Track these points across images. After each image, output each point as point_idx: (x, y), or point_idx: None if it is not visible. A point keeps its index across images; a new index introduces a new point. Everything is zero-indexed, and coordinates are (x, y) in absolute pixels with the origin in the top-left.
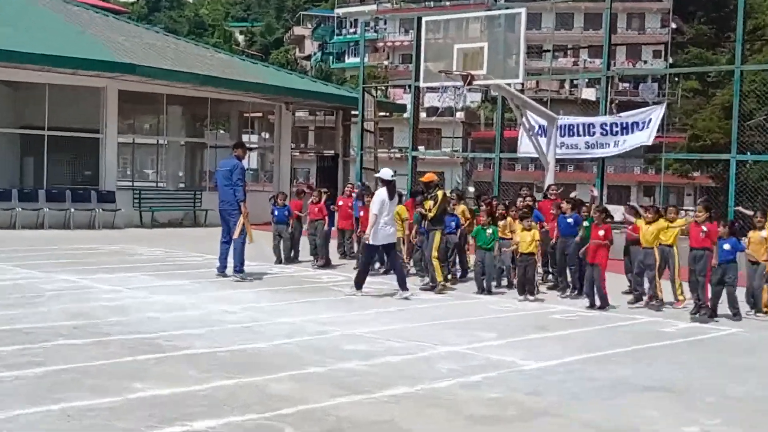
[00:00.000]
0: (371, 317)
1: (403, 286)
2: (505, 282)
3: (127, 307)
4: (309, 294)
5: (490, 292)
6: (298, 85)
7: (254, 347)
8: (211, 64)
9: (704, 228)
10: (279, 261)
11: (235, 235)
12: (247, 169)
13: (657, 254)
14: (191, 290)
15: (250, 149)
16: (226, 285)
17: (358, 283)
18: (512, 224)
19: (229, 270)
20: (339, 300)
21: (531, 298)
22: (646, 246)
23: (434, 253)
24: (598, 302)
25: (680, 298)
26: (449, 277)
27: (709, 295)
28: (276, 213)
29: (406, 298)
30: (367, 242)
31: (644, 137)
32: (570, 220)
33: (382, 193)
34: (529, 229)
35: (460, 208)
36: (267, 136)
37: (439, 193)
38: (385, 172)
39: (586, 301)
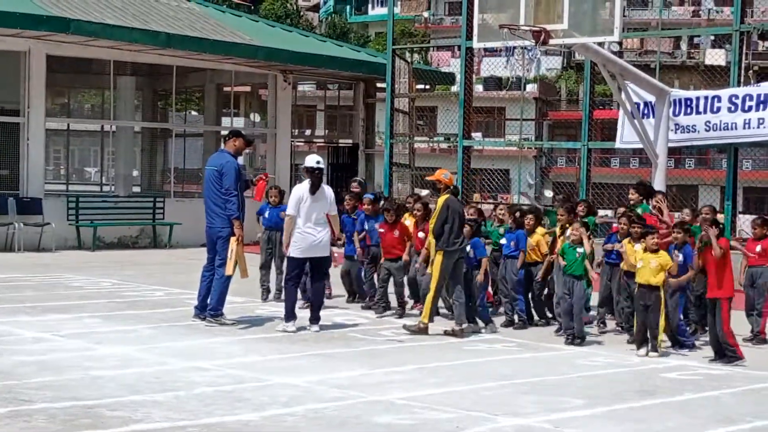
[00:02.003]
0: (409, 376)
1: (314, 313)
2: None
3: (59, 363)
4: (320, 344)
5: (582, 339)
6: (301, 46)
7: (237, 420)
8: (178, 18)
9: None
10: (268, 292)
11: (228, 270)
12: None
13: None
14: (149, 339)
15: (251, 141)
16: (199, 332)
17: (288, 311)
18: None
19: None
20: (364, 353)
21: (654, 354)
22: None
23: (433, 283)
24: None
25: None
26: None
27: None
28: (267, 214)
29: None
30: (286, 255)
31: None
32: (680, 256)
33: (301, 187)
34: (656, 250)
35: (537, 235)
36: (257, 119)
37: (442, 198)
38: (310, 159)
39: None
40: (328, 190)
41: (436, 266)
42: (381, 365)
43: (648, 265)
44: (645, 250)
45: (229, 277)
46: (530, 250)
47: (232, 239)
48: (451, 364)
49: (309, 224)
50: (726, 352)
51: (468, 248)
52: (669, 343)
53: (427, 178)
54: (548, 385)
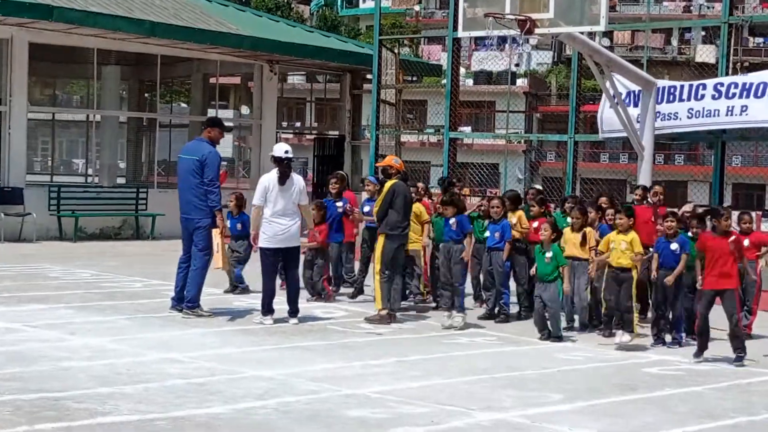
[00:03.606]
0: (387, 369)
1: (292, 305)
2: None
3: (30, 354)
4: (298, 336)
5: (558, 338)
6: (287, 36)
7: (207, 413)
8: (163, 7)
9: None
10: (233, 288)
11: (218, 263)
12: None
13: None
14: (124, 330)
15: (228, 129)
16: (175, 323)
17: (265, 305)
18: (590, 236)
19: None
20: (343, 345)
21: (627, 338)
22: None
23: (377, 266)
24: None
25: None
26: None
27: None
28: (228, 225)
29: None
30: (255, 246)
31: None
32: (675, 246)
33: (267, 177)
34: (626, 231)
35: (516, 215)
36: (247, 110)
37: (389, 183)
38: (278, 148)
39: (690, 349)
40: (297, 179)
41: (378, 250)
42: (359, 358)
43: (619, 246)
44: (617, 231)
45: (206, 268)
46: (513, 231)
47: (215, 231)
48: (430, 358)
49: (277, 214)
50: (737, 349)
51: (452, 221)
52: (655, 341)
53: (377, 165)
54: (527, 380)
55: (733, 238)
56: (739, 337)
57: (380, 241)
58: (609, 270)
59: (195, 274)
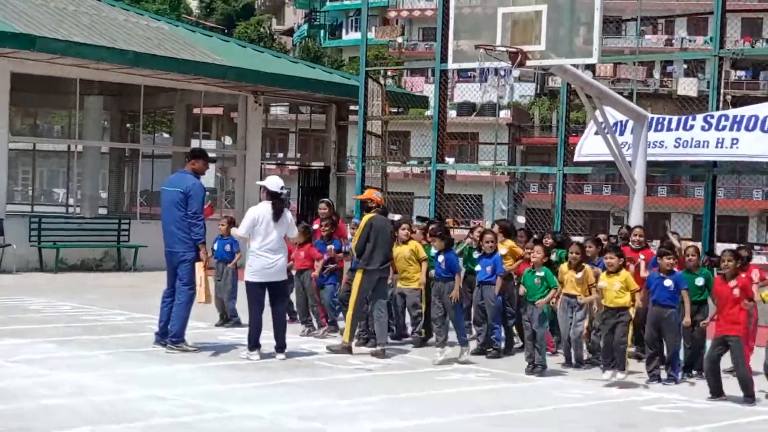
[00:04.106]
0: (376, 408)
1: (279, 340)
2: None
3: (10, 391)
4: (285, 372)
5: (543, 369)
6: (272, 67)
7: None
8: (146, 37)
9: None
10: (224, 319)
11: (200, 297)
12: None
13: None
14: (106, 365)
15: (213, 161)
16: (159, 359)
17: (252, 340)
18: (588, 275)
19: None
20: (331, 382)
21: (620, 375)
22: None
23: (352, 300)
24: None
25: None
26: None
27: None
28: (216, 246)
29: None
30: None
31: None
32: (669, 282)
33: (258, 208)
34: (617, 271)
35: (507, 245)
36: (230, 141)
37: (366, 216)
38: (273, 182)
39: (698, 388)
40: (286, 213)
41: (356, 284)
42: (348, 395)
43: (612, 287)
44: (608, 273)
45: (191, 302)
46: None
47: (199, 265)
48: (422, 395)
49: (265, 248)
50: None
51: (440, 258)
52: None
53: (355, 198)
54: (522, 418)
55: (734, 283)
56: (744, 381)
57: (358, 276)
58: (605, 312)
59: (179, 308)
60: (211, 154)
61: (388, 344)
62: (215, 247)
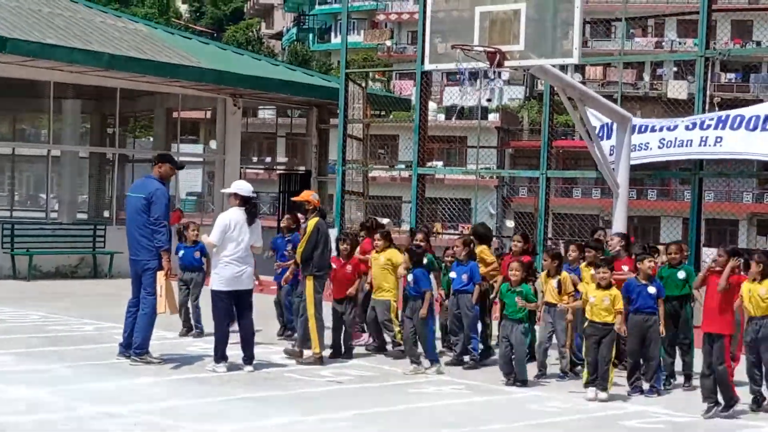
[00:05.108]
0: (346, 423)
1: (247, 351)
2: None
3: None
4: (253, 386)
5: (523, 383)
6: (251, 69)
7: None
8: (123, 40)
9: None
10: (188, 330)
11: (160, 308)
12: (188, 195)
13: None
14: (65, 380)
15: (180, 167)
16: (122, 372)
17: (219, 352)
18: (565, 282)
19: None
20: (300, 396)
21: (603, 395)
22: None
23: (310, 310)
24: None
25: None
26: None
27: None
28: (182, 253)
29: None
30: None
31: (758, 144)
32: (652, 289)
33: (230, 215)
34: (607, 286)
35: (478, 250)
36: (215, 146)
37: (312, 221)
38: (245, 187)
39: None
40: (257, 220)
41: (308, 293)
42: (317, 410)
43: (601, 303)
44: (597, 286)
45: (155, 313)
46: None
47: (160, 274)
48: (394, 410)
49: (236, 255)
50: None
51: (410, 278)
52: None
53: (294, 199)
54: None
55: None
56: (724, 385)
57: (308, 283)
58: (591, 326)
59: (143, 318)
60: (196, 159)
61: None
62: (181, 255)
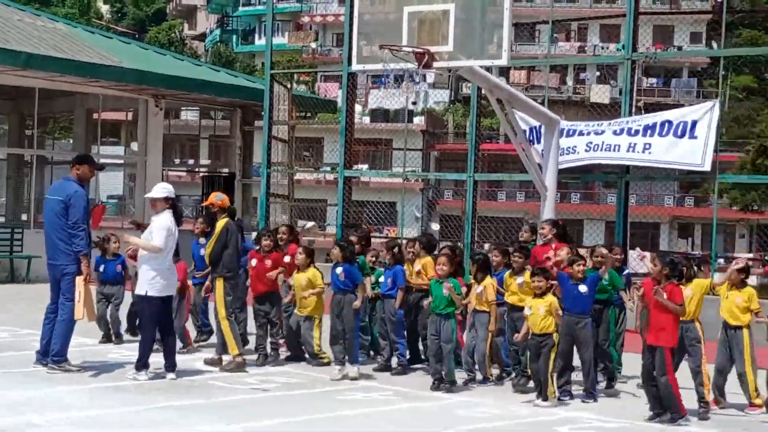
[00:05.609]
0: None
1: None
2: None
3: None
4: (176, 394)
5: (451, 385)
6: (173, 69)
7: None
8: (42, 39)
9: None
10: (107, 338)
11: (77, 314)
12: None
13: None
14: None
15: (100, 168)
16: (39, 380)
17: (143, 359)
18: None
19: None
20: (224, 404)
21: (545, 404)
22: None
23: (221, 312)
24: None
25: (755, 398)
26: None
27: None
28: (103, 268)
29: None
30: (140, 294)
31: (686, 153)
32: (584, 288)
33: (168, 217)
34: (542, 294)
35: (422, 261)
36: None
37: (221, 222)
38: (169, 188)
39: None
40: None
41: (218, 294)
42: (242, 419)
43: (537, 311)
44: (534, 295)
45: (74, 320)
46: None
47: (79, 279)
48: (321, 417)
49: (169, 260)
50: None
51: (339, 270)
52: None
53: (203, 204)
54: None
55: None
56: (668, 397)
57: (219, 284)
58: (531, 338)
59: (62, 325)
60: (117, 161)
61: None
62: (102, 269)
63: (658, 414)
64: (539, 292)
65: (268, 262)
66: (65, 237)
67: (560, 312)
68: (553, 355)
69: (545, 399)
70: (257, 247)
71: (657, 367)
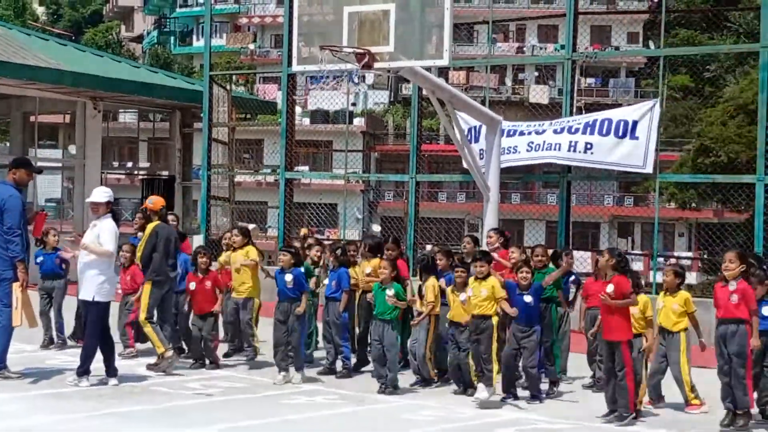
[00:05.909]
0: None
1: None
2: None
3: None
4: (117, 400)
5: (395, 389)
6: (111, 72)
7: None
8: None
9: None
10: (50, 341)
11: (15, 321)
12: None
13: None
14: None
15: (38, 172)
16: None
17: (85, 366)
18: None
19: None
20: (167, 410)
21: (485, 395)
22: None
23: (142, 315)
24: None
25: (692, 399)
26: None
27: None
28: (41, 260)
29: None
30: (87, 300)
31: (628, 154)
32: (529, 298)
33: (113, 223)
34: (484, 277)
35: (372, 264)
36: (75, 150)
37: (150, 225)
38: (109, 192)
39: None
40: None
41: (144, 297)
42: (186, 424)
43: (479, 294)
44: (475, 278)
45: (12, 326)
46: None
47: (16, 285)
48: (265, 422)
49: (113, 265)
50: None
51: (289, 278)
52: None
53: (144, 207)
54: None
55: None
56: (621, 391)
57: (146, 287)
58: (471, 319)
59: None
60: (55, 165)
61: None
62: (39, 261)
63: (613, 411)
64: (481, 276)
65: (208, 284)
66: (1, 242)
67: (505, 296)
68: (495, 336)
69: (490, 385)
70: (194, 268)
71: (616, 362)
